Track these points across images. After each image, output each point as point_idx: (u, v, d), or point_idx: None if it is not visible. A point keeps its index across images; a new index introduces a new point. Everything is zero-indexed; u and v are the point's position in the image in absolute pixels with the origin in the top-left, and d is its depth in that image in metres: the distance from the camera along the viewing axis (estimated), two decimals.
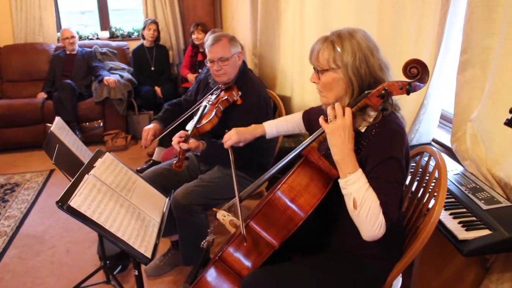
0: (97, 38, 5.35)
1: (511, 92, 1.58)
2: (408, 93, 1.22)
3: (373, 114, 1.33)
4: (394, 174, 1.28)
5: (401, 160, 1.29)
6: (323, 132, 1.33)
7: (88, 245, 2.74)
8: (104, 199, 1.43)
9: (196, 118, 2.11)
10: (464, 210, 1.60)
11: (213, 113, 2.10)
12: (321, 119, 1.31)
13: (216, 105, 2.13)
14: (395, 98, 1.35)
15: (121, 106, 4.47)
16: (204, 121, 2.09)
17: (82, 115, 4.43)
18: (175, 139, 2.01)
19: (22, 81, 4.75)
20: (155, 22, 4.75)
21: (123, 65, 4.90)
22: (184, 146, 1.97)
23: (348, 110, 1.27)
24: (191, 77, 4.54)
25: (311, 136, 1.38)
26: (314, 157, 1.34)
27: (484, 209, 1.56)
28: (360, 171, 1.26)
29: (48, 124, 4.33)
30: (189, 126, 2.10)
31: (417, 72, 1.20)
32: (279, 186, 1.31)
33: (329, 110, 1.30)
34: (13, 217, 3.11)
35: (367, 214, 1.21)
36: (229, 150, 1.77)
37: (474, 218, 1.54)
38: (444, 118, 2.31)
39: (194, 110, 2.31)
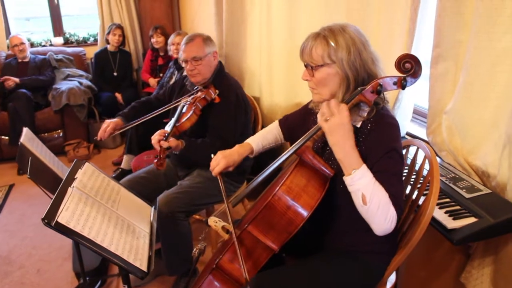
0: (51, 45, 5.10)
1: (484, 84, 1.63)
2: (403, 88, 1.23)
3: (367, 109, 1.34)
4: (397, 165, 1.29)
5: (401, 151, 1.31)
6: (318, 130, 1.32)
7: (60, 262, 2.60)
8: (92, 213, 1.35)
9: (174, 117, 2.09)
10: (448, 200, 1.64)
11: (192, 111, 2.08)
12: (319, 118, 1.29)
13: (194, 104, 2.10)
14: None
15: (82, 113, 4.28)
16: (183, 119, 2.07)
17: (40, 126, 4.20)
18: (155, 137, 1.98)
19: None
20: (120, 27, 4.59)
21: (81, 72, 4.71)
22: (165, 144, 1.94)
23: (343, 106, 1.26)
24: (152, 81, 4.43)
25: (305, 135, 1.36)
26: (308, 157, 1.33)
27: (467, 198, 1.61)
28: (364, 166, 1.25)
29: (4, 137, 4.09)
30: (168, 127, 2.06)
31: (411, 67, 1.21)
32: (277, 188, 1.29)
33: (325, 108, 1.29)
34: None
35: (378, 208, 1.21)
36: (219, 177, 1.63)
37: (459, 207, 1.58)
38: (415, 112, 2.37)
39: (166, 110, 2.27)
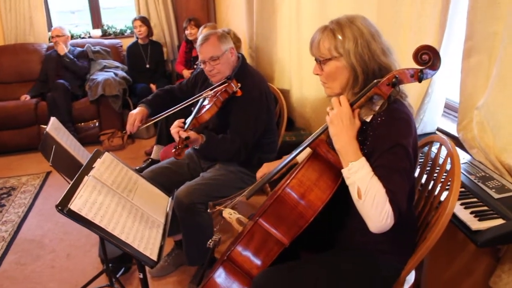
0: (89, 37, 5.26)
1: None
2: (420, 81, 1.17)
3: (379, 102, 1.29)
4: (400, 162, 1.23)
5: (408, 148, 1.24)
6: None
7: (88, 248, 2.69)
8: (105, 201, 1.37)
9: (195, 110, 2.08)
10: (475, 199, 1.57)
11: (212, 103, 2.05)
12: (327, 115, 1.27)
13: (216, 97, 2.07)
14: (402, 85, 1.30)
15: (117, 103, 4.39)
16: (202, 111, 2.05)
17: (77, 115, 4.35)
18: (174, 128, 1.98)
19: (14, 82, 4.64)
20: (139, 19, 4.66)
21: (117, 63, 4.82)
22: (183, 134, 1.93)
23: (342, 98, 1.24)
24: (186, 73, 4.48)
25: (318, 130, 1.33)
26: (323, 150, 1.30)
27: (496, 198, 1.53)
28: (363, 159, 1.22)
29: (43, 126, 4.26)
30: (189, 119, 2.06)
31: (429, 59, 1.15)
32: (288, 181, 1.26)
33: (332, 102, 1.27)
34: (11, 222, 3.04)
35: (373, 203, 1.16)
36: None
37: (486, 208, 1.50)
38: (447, 106, 2.26)
39: (190, 103, 2.24)
